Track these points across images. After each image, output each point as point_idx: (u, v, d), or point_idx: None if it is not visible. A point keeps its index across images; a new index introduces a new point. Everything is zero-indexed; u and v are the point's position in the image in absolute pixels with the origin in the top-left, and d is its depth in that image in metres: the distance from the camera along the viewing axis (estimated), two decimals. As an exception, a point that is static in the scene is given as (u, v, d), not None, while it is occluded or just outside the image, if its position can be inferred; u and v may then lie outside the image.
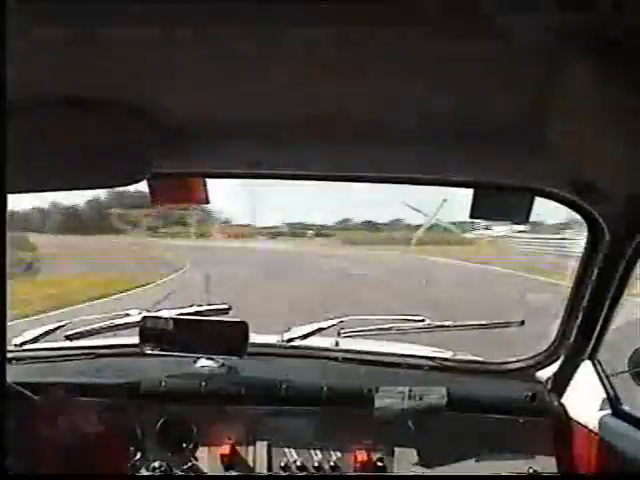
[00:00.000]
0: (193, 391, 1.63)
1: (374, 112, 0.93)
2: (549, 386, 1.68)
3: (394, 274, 10.15)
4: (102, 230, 13.10)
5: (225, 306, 1.93)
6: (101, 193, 12.84)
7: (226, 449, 1.58)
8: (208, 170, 1.26)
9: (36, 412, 1.20)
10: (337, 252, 13.16)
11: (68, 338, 1.80)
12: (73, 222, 13.36)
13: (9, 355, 1.70)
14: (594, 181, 1.02)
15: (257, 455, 1.60)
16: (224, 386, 1.66)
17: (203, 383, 1.64)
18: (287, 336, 1.81)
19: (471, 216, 1.27)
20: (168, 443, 1.60)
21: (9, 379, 1.14)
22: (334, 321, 1.83)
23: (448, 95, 0.84)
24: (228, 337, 1.66)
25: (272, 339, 1.84)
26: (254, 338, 1.69)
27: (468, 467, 1.59)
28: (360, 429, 1.60)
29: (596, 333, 1.54)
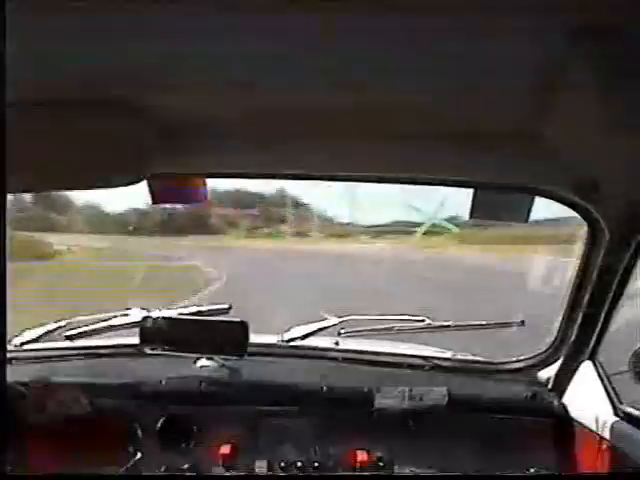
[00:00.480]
0: (193, 391, 1.63)
1: (374, 112, 0.93)
2: (550, 386, 1.68)
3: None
4: (199, 231, 12.50)
5: (225, 306, 1.93)
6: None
7: (226, 449, 1.58)
8: (208, 170, 1.26)
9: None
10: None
11: (68, 338, 1.80)
12: (169, 222, 12.90)
13: (9, 355, 1.70)
14: (594, 181, 1.02)
15: (257, 455, 1.60)
16: (224, 386, 1.66)
17: (203, 383, 1.64)
18: (287, 336, 1.81)
19: (471, 216, 1.27)
20: (168, 443, 1.60)
21: (9, 379, 1.14)
22: (334, 321, 1.83)
23: (448, 95, 0.84)
24: (228, 337, 1.66)
25: (272, 339, 1.84)
26: (254, 338, 1.69)
27: (468, 467, 1.59)
28: (360, 429, 1.60)
29: (596, 333, 1.54)
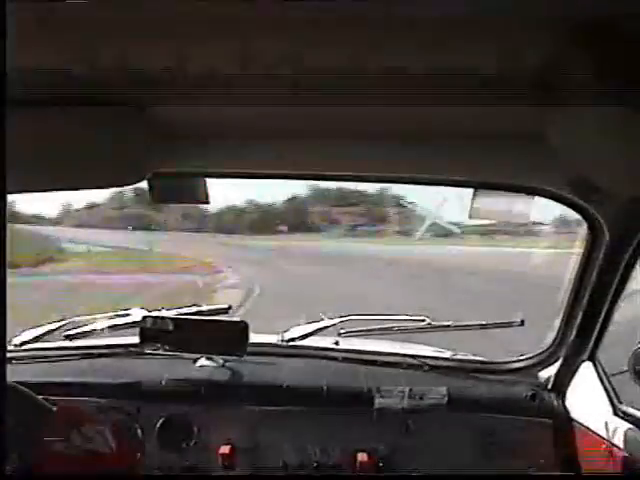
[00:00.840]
0: (193, 391, 1.63)
1: (374, 112, 0.93)
2: (549, 386, 1.68)
3: None
4: (297, 229, 11.98)
5: (225, 306, 1.94)
6: (301, 191, 11.41)
7: (226, 449, 1.58)
8: (208, 170, 1.26)
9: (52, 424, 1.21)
10: None
11: (68, 338, 1.80)
12: (268, 221, 12.29)
13: (9, 355, 1.70)
14: (594, 181, 1.02)
15: (257, 455, 1.60)
16: (224, 386, 1.66)
17: (203, 383, 1.64)
18: (287, 336, 1.81)
19: (470, 216, 1.27)
20: (168, 443, 1.60)
21: (9, 379, 1.14)
22: (334, 321, 1.83)
23: (448, 95, 0.84)
24: (228, 337, 1.66)
25: (272, 339, 1.84)
26: (254, 338, 1.69)
27: (468, 467, 1.59)
28: (360, 429, 1.60)
29: (596, 333, 1.54)
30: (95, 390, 1.59)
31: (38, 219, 11.57)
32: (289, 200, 11.88)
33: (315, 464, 1.58)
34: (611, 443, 1.41)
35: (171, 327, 1.66)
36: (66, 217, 11.82)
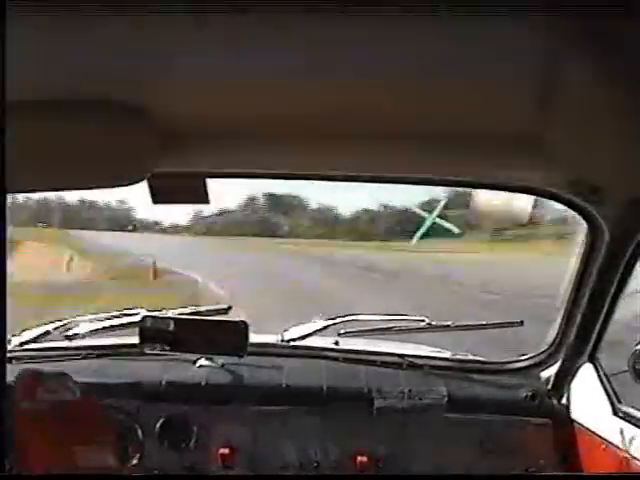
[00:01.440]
0: (193, 391, 1.63)
1: (374, 112, 0.93)
2: (550, 386, 1.68)
3: None
4: (434, 234, 11.05)
5: (225, 306, 1.94)
6: (437, 191, 10.91)
7: (226, 449, 1.58)
8: (208, 170, 1.25)
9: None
10: None
11: (68, 338, 1.80)
12: (403, 225, 11.67)
13: (9, 355, 1.70)
14: (594, 182, 1.02)
15: (257, 455, 1.60)
16: (224, 386, 1.66)
17: (203, 383, 1.64)
18: (287, 336, 1.81)
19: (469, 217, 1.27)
20: (168, 443, 1.60)
21: (9, 379, 1.14)
22: (334, 321, 1.83)
23: (448, 95, 0.84)
24: (228, 337, 1.66)
25: (272, 339, 1.84)
26: (254, 338, 1.68)
27: (468, 467, 1.59)
28: (360, 429, 1.60)
29: (595, 333, 1.54)
30: (95, 390, 1.59)
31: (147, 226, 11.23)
32: (425, 203, 11.15)
33: (315, 464, 1.58)
34: (611, 443, 1.41)
35: (171, 327, 1.66)
36: (197, 224, 11.47)
